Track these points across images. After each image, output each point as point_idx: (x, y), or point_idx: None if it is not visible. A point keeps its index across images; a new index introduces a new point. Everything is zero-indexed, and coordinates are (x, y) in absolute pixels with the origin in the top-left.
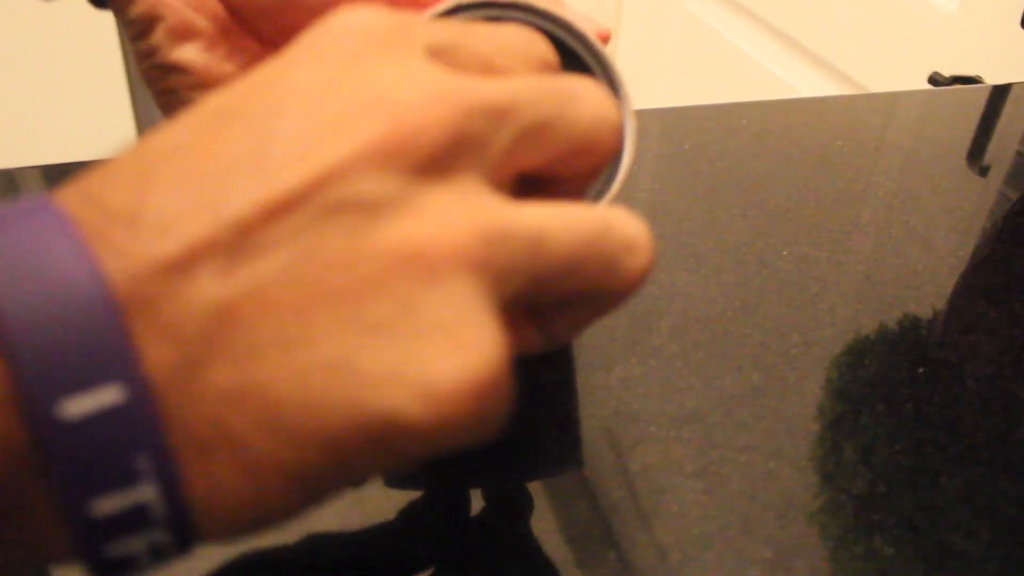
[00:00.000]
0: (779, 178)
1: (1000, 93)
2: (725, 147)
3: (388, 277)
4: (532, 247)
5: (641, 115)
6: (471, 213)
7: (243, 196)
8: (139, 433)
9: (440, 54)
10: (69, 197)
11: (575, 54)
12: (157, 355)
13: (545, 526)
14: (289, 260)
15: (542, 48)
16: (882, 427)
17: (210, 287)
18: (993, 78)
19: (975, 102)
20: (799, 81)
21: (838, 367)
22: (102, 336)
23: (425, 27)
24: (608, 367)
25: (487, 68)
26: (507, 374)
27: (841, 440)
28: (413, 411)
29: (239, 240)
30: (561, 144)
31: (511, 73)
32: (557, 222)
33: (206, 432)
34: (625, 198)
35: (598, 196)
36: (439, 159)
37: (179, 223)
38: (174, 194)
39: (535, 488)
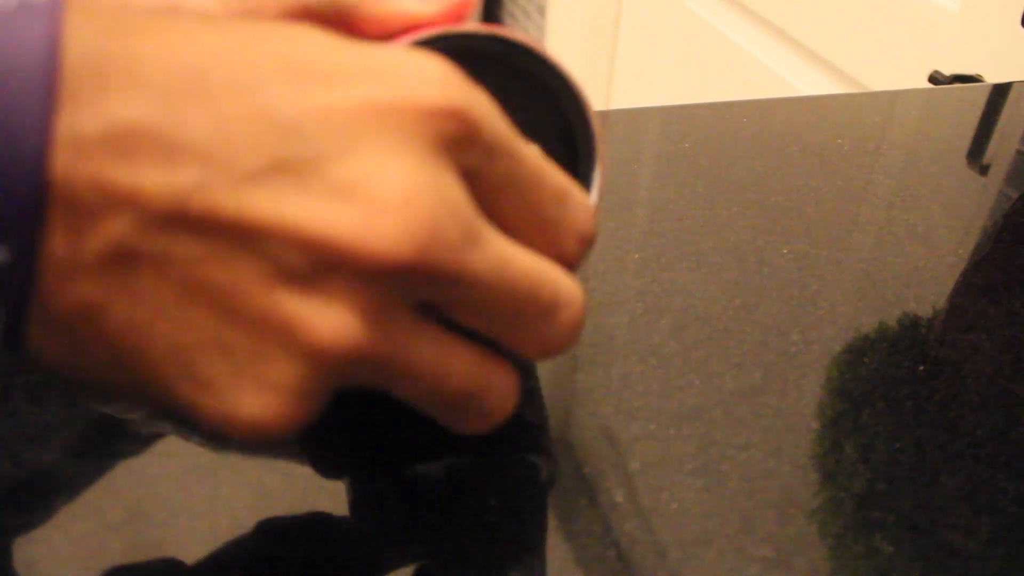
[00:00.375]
0: (779, 176)
1: (1001, 92)
2: (725, 145)
3: (257, 330)
4: (388, 376)
5: (641, 113)
6: (349, 332)
7: (206, 187)
8: (3, 290)
9: (482, 178)
10: (87, 30)
11: (533, 74)
12: (54, 245)
13: (543, 526)
14: (201, 258)
15: (585, 238)
16: (882, 425)
17: (126, 230)
18: (994, 77)
19: (976, 101)
20: (799, 80)
21: (838, 365)
22: (21, 206)
23: (493, 145)
24: (608, 365)
25: (507, 223)
26: (295, 431)
27: (841, 438)
28: (207, 417)
29: (175, 218)
30: (507, 336)
31: (523, 242)
32: (431, 373)
33: (56, 318)
34: (625, 196)
35: None
36: (366, 282)
37: (147, 164)
38: (161, 129)
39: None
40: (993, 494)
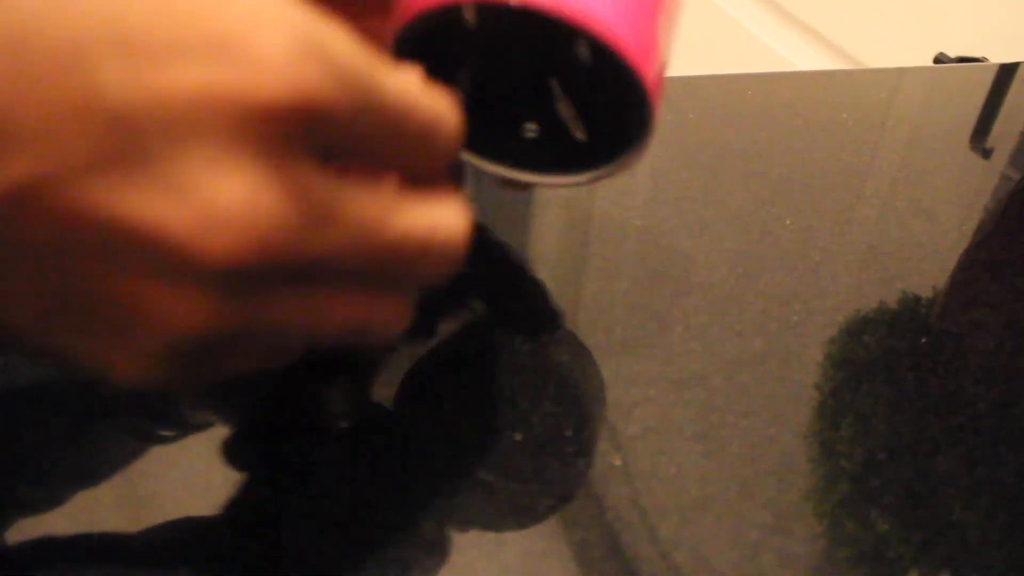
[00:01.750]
0: (783, 149)
1: (1007, 72)
2: (730, 117)
3: (113, 310)
4: (256, 333)
5: None
6: (200, 318)
7: (39, 181)
8: None
9: (340, 140)
10: None
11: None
12: None
13: (541, 488)
14: (48, 247)
15: (447, 157)
16: (883, 396)
17: None
18: (999, 60)
19: (982, 80)
20: (803, 60)
21: (840, 336)
22: None
23: (348, 116)
24: (608, 329)
25: (371, 153)
26: (174, 384)
27: (842, 408)
28: (92, 370)
29: (13, 211)
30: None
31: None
32: (299, 323)
33: None
34: None
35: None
36: (209, 278)
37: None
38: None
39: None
40: (993, 466)
